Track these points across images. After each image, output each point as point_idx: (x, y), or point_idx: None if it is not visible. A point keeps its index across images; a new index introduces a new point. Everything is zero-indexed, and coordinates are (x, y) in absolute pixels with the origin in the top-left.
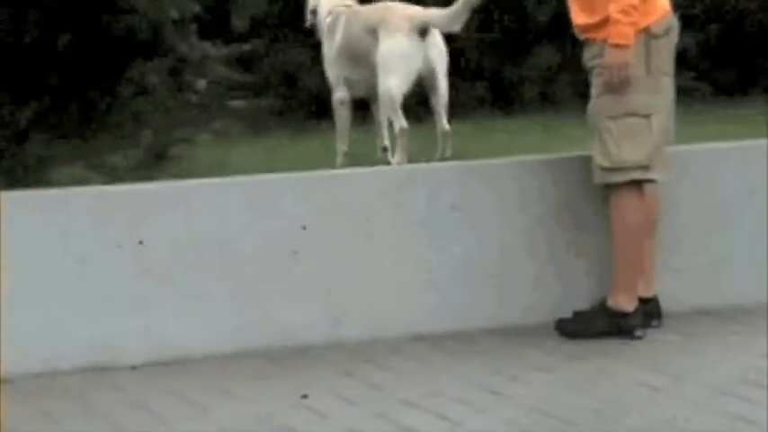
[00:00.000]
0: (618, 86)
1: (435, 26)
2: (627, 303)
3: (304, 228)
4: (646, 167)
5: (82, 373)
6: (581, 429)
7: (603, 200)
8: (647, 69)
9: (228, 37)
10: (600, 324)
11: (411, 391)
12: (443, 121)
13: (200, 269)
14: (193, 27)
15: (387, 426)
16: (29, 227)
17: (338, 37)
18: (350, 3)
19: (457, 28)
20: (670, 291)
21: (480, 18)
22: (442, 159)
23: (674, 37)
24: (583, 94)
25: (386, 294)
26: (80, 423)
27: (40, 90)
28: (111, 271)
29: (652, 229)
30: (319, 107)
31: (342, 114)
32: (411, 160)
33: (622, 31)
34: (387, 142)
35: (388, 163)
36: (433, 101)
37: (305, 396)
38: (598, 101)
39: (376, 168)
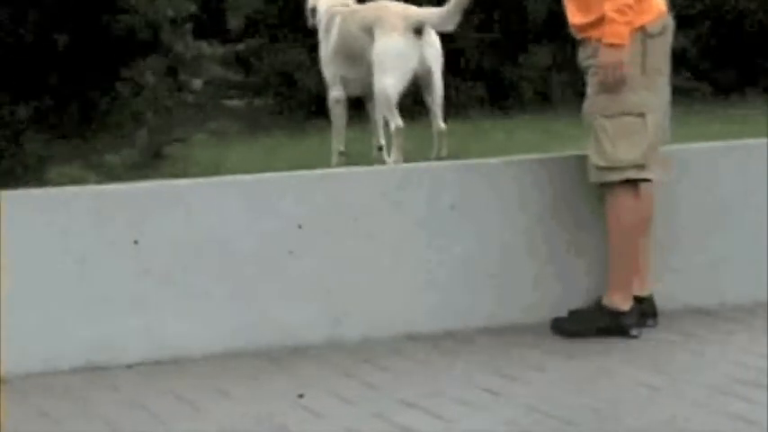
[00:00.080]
0: (613, 86)
1: (430, 25)
2: (622, 302)
3: (303, 227)
4: (641, 166)
5: (82, 373)
6: (580, 429)
7: (600, 199)
8: (642, 68)
9: (225, 37)
10: (595, 323)
11: (410, 391)
12: (439, 120)
13: (200, 269)
14: (189, 26)
15: (385, 426)
16: (29, 227)
17: (334, 36)
18: (348, 2)
19: (451, 27)
20: (670, 290)
21: (478, 18)
22: (438, 158)
23: (669, 36)
24: (581, 94)
25: (385, 294)
26: (79, 423)
27: (40, 90)
28: (111, 271)
29: (647, 227)
30: (317, 107)
31: (337, 113)
32: (407, 159)
33: (617, 31)
34: (382, 141)
35: (384, 162)
36: (429, 100)
37: (301, 395)
38: (593, 100)
39: (376, 168)
